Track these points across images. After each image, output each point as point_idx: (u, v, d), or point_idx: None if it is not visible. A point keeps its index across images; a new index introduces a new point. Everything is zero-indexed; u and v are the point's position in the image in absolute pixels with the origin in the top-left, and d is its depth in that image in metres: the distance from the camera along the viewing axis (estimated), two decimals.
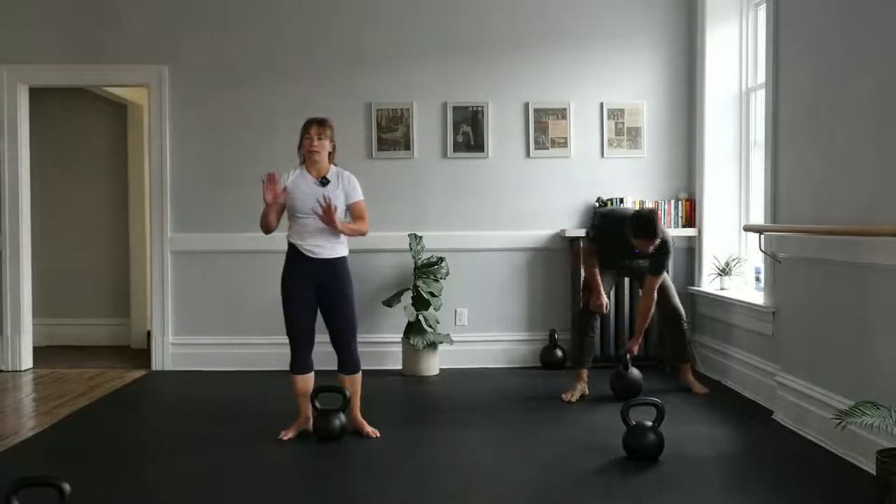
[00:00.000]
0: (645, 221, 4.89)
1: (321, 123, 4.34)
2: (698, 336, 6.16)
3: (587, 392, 5.16)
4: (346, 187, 4.33)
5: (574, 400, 5.04)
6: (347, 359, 4.41)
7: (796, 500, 3.45)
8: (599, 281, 5.22)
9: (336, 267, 4.30)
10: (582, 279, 5.58)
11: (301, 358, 4.37)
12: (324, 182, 4.28)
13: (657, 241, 4.95)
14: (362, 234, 4.38)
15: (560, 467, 3.89)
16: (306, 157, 4.34)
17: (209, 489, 3.61)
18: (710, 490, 3.56)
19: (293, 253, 4.30)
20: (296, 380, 4.40)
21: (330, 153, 4.38)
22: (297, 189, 4.29)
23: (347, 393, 4.38)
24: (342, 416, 4.34)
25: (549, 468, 3.89)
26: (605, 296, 5.22)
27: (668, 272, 5.33)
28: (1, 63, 6.20)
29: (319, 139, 4.28)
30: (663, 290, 5.30)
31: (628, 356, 5.17)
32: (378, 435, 4.33)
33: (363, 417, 4.44)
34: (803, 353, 4.42)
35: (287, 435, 4.32)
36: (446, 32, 6.25)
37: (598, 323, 5.41)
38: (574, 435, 4.39)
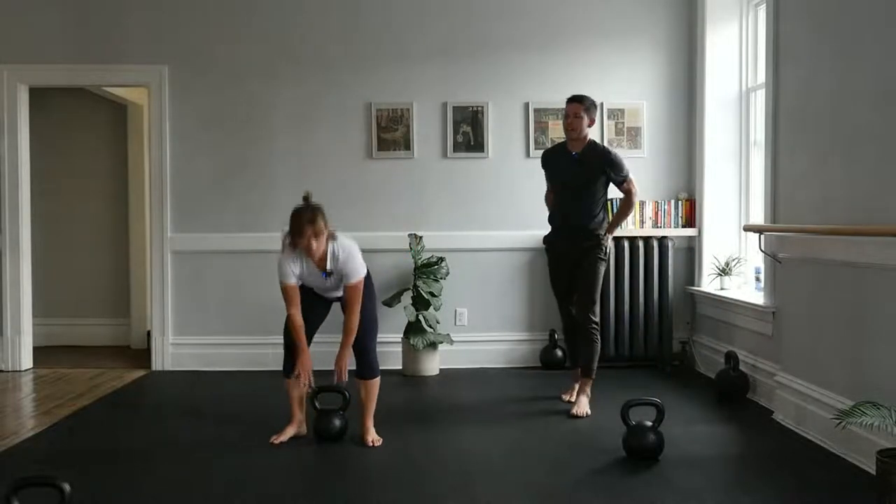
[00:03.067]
0: (572, 96, 4.95)
1: (312, 221, 3.99)
2: (698, 336, 6.17)
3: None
4: (343, 270, 4.14)
5: (572, 400, 4.96)
6: (361, 362, 4.33)
7: (796, 500, 3.45)
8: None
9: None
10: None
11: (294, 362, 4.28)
12: (326, 274, 4.18)
13: (587, 113, 4.84)
14: (356, 323, 4.21)
15: (560, 467, 3.89)
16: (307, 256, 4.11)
17: (209, 489, 3.61)
18: (710, 490, 3.55)
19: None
20: (289, 383, 4.32)
21: (327, 237, 4.12)
22: (308, 278, 4.21)
23: (347, 394, 4.36)
24: (342, 416, 4.33)
25: (549, 468, 3.89)
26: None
27: (605, 258, 4.94)
28: (1, 63, 6.20)
29: (316, 239, 4.02)
30: (584, 278, 4.88)
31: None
32: (378, 444, 4.23)
33: (374, 426, 4.33)
34: (803, 353, 4.42)
35: (279, 439, 4.25)
36: (446, 32, 6.25)
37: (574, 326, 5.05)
38: (574, 435, 4.39)
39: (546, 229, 5.11)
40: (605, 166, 4.85)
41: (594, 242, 4.87)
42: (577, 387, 4.96)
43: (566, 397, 5.07)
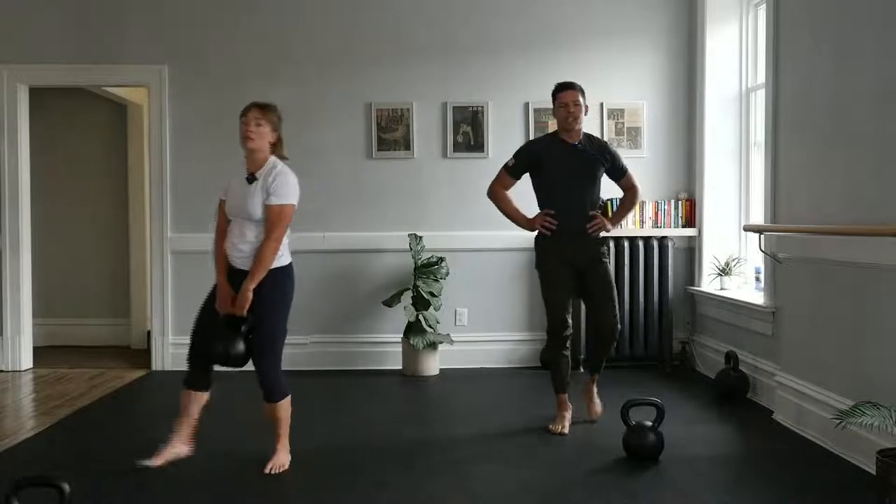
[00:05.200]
0: (562, 83, 4.50)
1: (262, 108, 3.77)
2: (698, 336, 6.17)
3: (571, 421, 4.50)
4: (271, 185, 3.68)
5: (565, 431, 4.40)
6: (261, 384, 3.75)
7: (796, 500, 3.45)
8: (511, 203, 4.65)
9: (262, 281, 3.67)
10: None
11: (198, 372, 3.83)
12: (249, 179, 3.73)
13: (582, 99, 4.41)
14: (271, 254, 3.65)
15: (560, 467, 3.89)
16: (242, 147, 3.78)
17: (209, 489, 3.61)
18: (710, 490, 3.55)
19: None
20: (188, 396, 3.83)
21: (274, 145, 3.82)
22: (230, 189, 3.83)
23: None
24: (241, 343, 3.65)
25: (549, 468, 3.89)
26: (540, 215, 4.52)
27: (608, 259, 4.64)
28: (1, 63, 6.20)
29: (257, 125, 3.72)
30: (600, 292, 4.51)
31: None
32: (279, 471, 3.76)
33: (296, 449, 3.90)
34: (803, 353, 4.42)
35: (155, 462, 3.77)
36: (446, 32, 6.25)
37: (568, 340, 4.52)
38: (574, 435, 4.38)
39: None
40: (607, 159, 4.52)
41: (600, 243, 4.54)
42: (588, 393, 4.68)
43: (554, 429, 4.42)
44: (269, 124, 3.78)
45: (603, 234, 4.55)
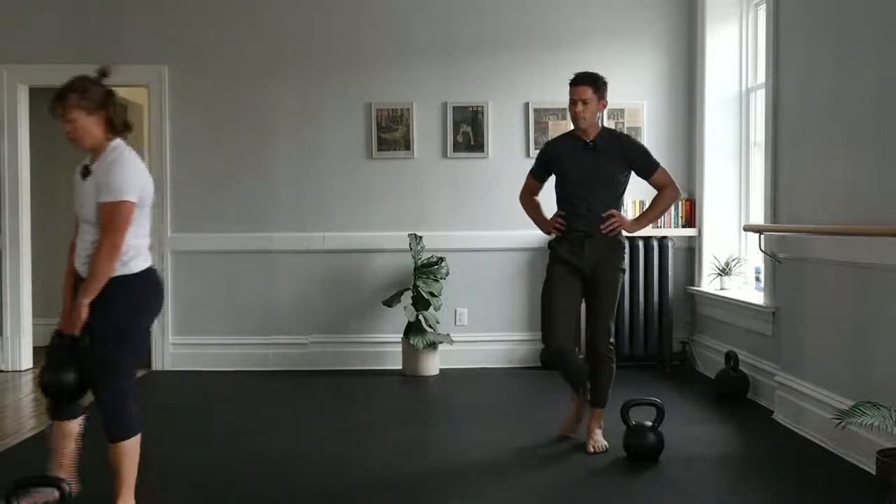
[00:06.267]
0: (576, 75, 4.18)
1: (62, 99, 3.07)
2: (698, 336, 6.17)
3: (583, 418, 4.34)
4: (103, 177, 3.04)
5: (573, 434, 4.29)
6: (102, 413, 3.04)
7: (796, 500, 3.45)
8: (537, 207, 4.44)
9: (105, 288, 3.02)
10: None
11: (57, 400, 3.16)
12: (83, 173, 3.14)
13: (598, 95, 4.11)
14: (106, 262, 2.99)
15: (560, 467, 3.89)
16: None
17: (209, 489, 3.61)
18: (710, 490, 3.55)
19: None
20: (52, 429, 3.22)
21: (105, 126, 3.15)
22: (74, 186, 3.22)
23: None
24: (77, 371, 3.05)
25: (550, 468, 3.89)
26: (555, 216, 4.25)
27: (623, 271, 4.21)
28: (1, 63, 6.20)
29: (71, 123, 3.10)
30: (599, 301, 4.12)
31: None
32: None
33: None
34: (803, 353, 4.42)
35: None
36: (446, 32, 6.25)
37: (568, 360, 4.19)
38: (574, 435, 4.38)
39: None
40: (627, 155, 4.16)
41: (612, 246, 4.15)
42: (588, 418, 4.23)
43: (565, 431, 4.34)
44: (81, 111, 3.07)
45: (625, 234, 4.19)
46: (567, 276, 4.14)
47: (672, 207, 6.07)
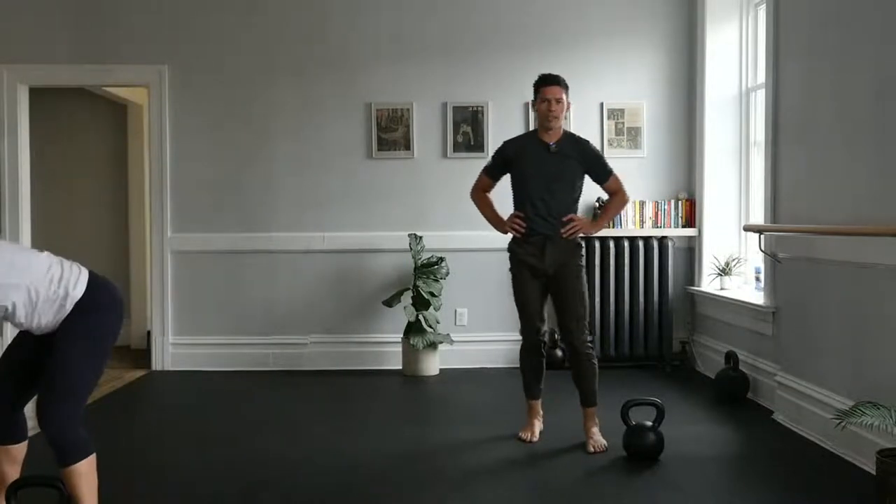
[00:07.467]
0: (547, 75, 4.27)
1: None
2: (698, 336, 6.17)
3: (542, 428, 4.38)
4: None
5: (534, 439, 4.27)
6: (50, 439, 2.77)
7: (796, 500, 3.45)
8: (491, 204, 4.47)
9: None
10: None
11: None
12: None
13: (565, 96, 4.19)
14: None
15: (560, 467, 3.89)
16: None
17: (209, 489, 3.61)
18: (710, 490, 3.56)
19: None
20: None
21: None
22: None
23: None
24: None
25: (550, 468, 3.89)
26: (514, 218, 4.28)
27: (583, 267, 4.27)
28: (1, 63, 6.20)
29: None
30: (567, 296, 4.21)
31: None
32: None
33: None
34: (803, 353, 4.42)
35: None
36: (446, 32, 6.25)
37: (542, 345, 4.40)
38: (574, 435, 4.38)
39: None
40: (587, 160, 4.23)
41: (572, 248, 4.22)
42: (586, 422, 4.25)
43: (525, 437, 4.29)
44: None
45: (581, 235, 4.28)
46: (531, 279, 4.26)
47: (672, 207, 6.15)
